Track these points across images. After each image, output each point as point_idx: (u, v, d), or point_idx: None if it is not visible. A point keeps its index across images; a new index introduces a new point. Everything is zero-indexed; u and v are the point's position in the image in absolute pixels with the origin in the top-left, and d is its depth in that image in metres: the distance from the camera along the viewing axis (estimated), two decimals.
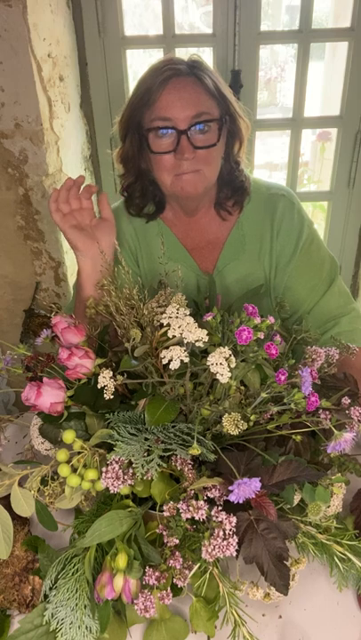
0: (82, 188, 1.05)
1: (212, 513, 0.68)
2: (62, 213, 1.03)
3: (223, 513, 0.68)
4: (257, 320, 0.71)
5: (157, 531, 0.72)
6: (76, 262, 1.08)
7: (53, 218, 1.04)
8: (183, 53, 1.06)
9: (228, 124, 1.06)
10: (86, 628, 0.73)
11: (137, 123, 1.05)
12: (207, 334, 0.68)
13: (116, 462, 0.72)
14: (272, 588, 0.70)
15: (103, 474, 0.71)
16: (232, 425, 0.70)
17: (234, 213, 1.16)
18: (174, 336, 0.68)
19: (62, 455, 0.76)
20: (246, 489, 0.65)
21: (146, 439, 0.73)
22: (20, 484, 0.78)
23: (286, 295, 1.15)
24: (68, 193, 1.03)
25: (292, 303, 1.14)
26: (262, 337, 0.70)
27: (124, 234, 1.18)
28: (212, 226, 1.18)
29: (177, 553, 0.71)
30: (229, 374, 0.66)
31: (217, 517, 0.68)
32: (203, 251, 1.19)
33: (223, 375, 0.66)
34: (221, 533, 0.67)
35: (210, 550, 0.66)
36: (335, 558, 0.80)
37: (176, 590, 0.74)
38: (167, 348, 0.68)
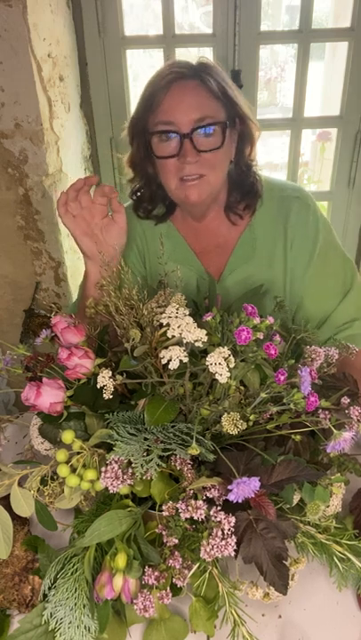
0: (93, 188, 1.03)
1: (211, 513, 0.68)
2: (72, 215, 1.01)
3: (222, 513, 0.68)
4: (256, 320, 0.71)
5: (157, 530, 0.72)
6: (85, 266, 1.06)
7: (64, 222, 1.01)
8: (183, 53, 1.06)
9: (237, 126, 1.05)
10: (85, 627, 0.73)
11: (142, 127, 1.04)
12: (206, 334, 0.68)
13: (116, 462, 0.72)
14: (271, 587, 0.70)
15: (102, 474, 0.71)
16: (231, 425, 0.70)
17: (245, 217, 1.14)
18: (174, 336, 0.68)
19: (62, 455, 0.76)
20: (245, 488, 0.65)
21: (145, 439, 0.73)
22: (20, 484, 0.78)
23: (304, 303, 1.13)
24: (77, 193, 1.00)
25: (310, 310, 1.13)
26: (262, 337, 0.70)
27: (133, 235, 1.17)
28: (221, 229, 1.16)
29: (176, 553, 0.71)
30: (228, 374, 0.66)
31: (216, 517, 0.68)
32: (211, 254, 1.17)
33: (222, 375, 0.66)
34: (220, 533, 0.67)
35: (208, 550, 0.66)
36: (335, 558, 0.80)
37: (175, 590, 0.74)
38: (166, 347, 0.68)
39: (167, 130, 0.99)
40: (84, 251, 1.04)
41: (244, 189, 1.12)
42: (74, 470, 0.76)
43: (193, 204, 1.06)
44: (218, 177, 1.05)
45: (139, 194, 1.16)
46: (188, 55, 1.05)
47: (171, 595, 0.70)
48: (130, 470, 0.72)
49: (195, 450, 0.68)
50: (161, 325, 0.74)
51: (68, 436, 0.77)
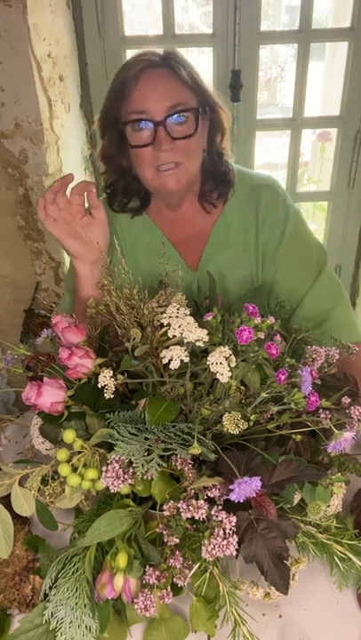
0: (70, 186, 1.01)
1: (212, 512, 0.68)
2: (53, 219, 1.00)
3: (223, 512, 0.68)
4: (257, 320, 0.71)
5: (157, 530, 0.72)
6: (74, 267, 1.06)
7: (46, 226, 1.01)
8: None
9: (208, 115, 1.06)
10: (86, 627, 0.73)
11: (114, 118, 1.04)
12: (207, 334, 0.68)
13: (117, 462, 0.72)
14: (272, 587, 0.70)
15: (103, 473, 0.72)
16: (232, 424, 0.70)
17: (218, 206, 1.16)
18: (174, 336, 0.68)
19: (62, 455, 0.76)
20: (247, 488, 0.65)
21: (146, 439, 0.73)
22: (21, 484, 0.78)
23: (275, 288, 1.15)
24: (55, 196, 0.99)
25: (282, 295, 1.14)
26: (263, 337, 0.70)
27: (111, 231, 1.14)
28: (196, 218, 1.17)
29: (177, 552, 0.71)
30: (229, 374, 0.67)
31: (217, 517, 0.68)
32: (188, 244, 1.18)
33: (223, 375, 0.66)
34: (221, 533, 0.67)
35: (210, 549, 0.66)
36: (335, 558, 0.80)
37: (176, 590, 0.74)
38: (167, 347, 0.68)
39: (140, 118, 0.99)
40: (70, 252, 1.04)
41: (217, 178, 1.13)
42: (75, 469, 0.76)
43: (170, 192, 1.07)
44: (193, 164, 1.05)
45: (113, 187, 1.16)
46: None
47: (171, 594, 0.70)
48: (131, 470, 0.72)
49: (196, 449, 0.68)
50: (162, 325, 0.74)
51: (69, 435, 0.77)
